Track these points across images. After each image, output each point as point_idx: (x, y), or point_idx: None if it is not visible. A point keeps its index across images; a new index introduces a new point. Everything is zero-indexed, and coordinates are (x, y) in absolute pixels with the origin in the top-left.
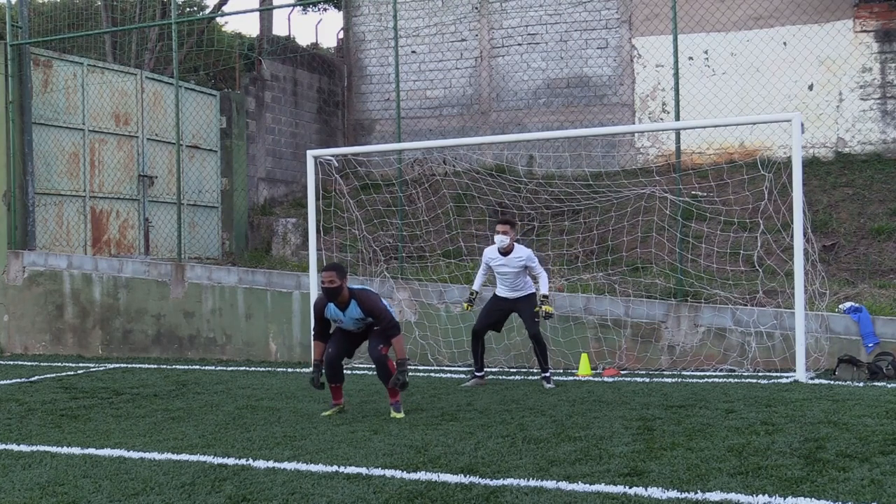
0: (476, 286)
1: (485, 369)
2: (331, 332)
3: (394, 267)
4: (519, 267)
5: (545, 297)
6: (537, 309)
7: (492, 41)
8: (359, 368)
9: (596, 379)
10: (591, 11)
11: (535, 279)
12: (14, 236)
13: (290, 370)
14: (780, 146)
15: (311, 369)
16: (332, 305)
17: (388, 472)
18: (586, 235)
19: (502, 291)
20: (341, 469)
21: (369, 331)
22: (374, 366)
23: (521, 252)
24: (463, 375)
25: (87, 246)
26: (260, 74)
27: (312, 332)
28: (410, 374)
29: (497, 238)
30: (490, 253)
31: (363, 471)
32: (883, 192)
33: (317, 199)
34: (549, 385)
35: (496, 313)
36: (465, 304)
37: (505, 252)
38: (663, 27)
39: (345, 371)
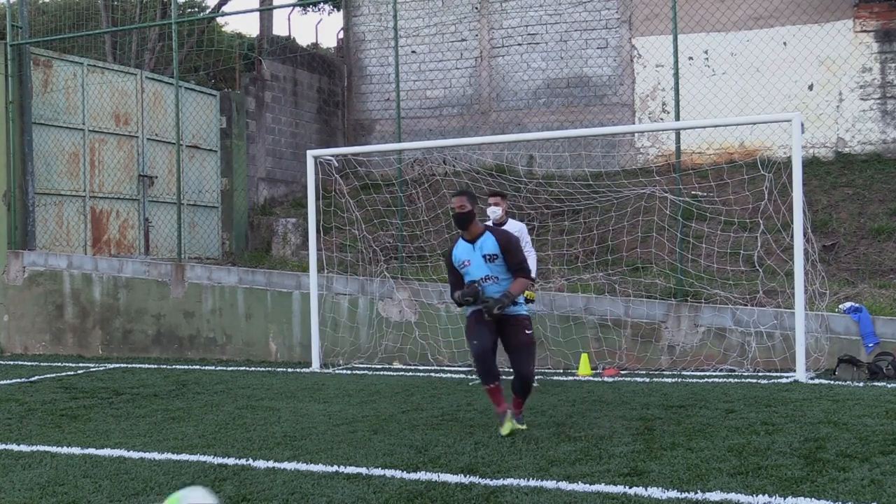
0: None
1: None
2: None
3: (394, 267)
4: None
5: (532, 280)
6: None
7: (492, 41)
8: (358, 368)
9: (596, 379)
10: (591, 11)
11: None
12: (14, 236)
13: (290, 370)
14: (780, 146)
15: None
16: (461, 244)
17: (388, 472)
18: (586, 235)
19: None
20: (341, 469)
21: (505, 324)
22: (514, 379)
23: (514, 226)
24: (463, 375)
25: (87, 246)
26: (260, 74)
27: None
28: (410, 373)
29: (490, 210)
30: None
31: (363, 471)
32: (883, 192)
33: (317, 199)
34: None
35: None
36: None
37: (498, 225)
38: (663, 27)
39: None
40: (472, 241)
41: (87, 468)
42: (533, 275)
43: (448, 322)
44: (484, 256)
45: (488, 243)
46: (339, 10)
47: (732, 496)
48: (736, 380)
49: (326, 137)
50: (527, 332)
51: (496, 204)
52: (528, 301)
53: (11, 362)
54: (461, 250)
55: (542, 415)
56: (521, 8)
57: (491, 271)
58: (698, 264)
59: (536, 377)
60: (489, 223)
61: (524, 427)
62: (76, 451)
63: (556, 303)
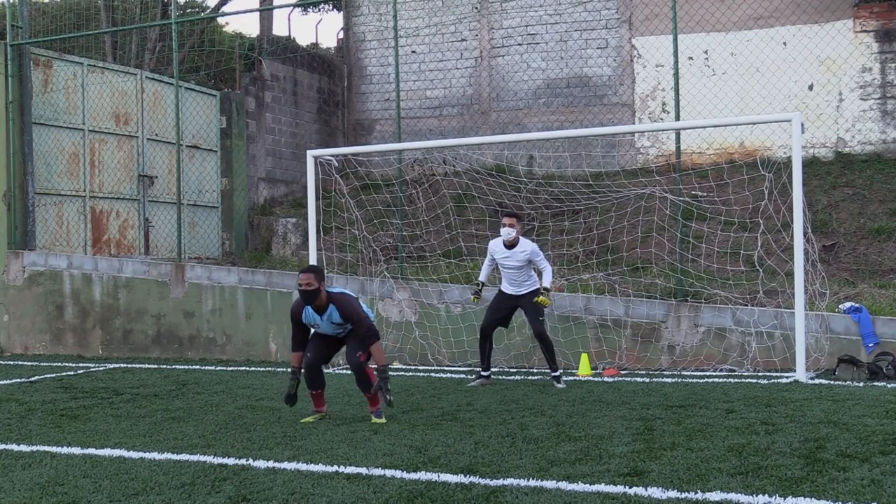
0: (482, 277)
1: (491, 369)
2: (309, 337)
3: (394, 267)
4: (523, 261)
5: (546, 289)
6: (536, 299)
7: (492, 41)
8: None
9: (596, 379)
10: (591, 11)
11: (539, 273)
12: (14, 236)
13: (290, 370)
14: (780, 146)
15: (288, 378)
16: (309, 309)
17: (388, 472)
18: (586, 235)
19: (507, 287)
20: (341, 469)
21: (349, 336)
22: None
23: (526, 246)
24: (463, 375)
25: (87, 246)
26: (260, 74)
27: (291, 341)
28: (411, 373)
29: (503, 231)
30: (495, 245)
31: (363, 471)
32: (883, 192)
33: (317, 199)
34: (559, 385)
35: (502, 310)
36: (473, 297)
37: (510, 245)
38: (663, 27)
39: (327, 374)
40: (319, 311)
41: (87, 468)
42: (547, 285)
43: (448, 322)
44: (331, 325)
45: (334, 315)
46: (339, 10)
47: (732, 496)
48: (736, 380)
49: (326, 137)
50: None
51: (510, 224)
52: (541, 307)
53: (11, 362)
54: (310, 314)
55: (542, 415)
56: (521, 8)
57: (337, 333)
58: (698, 264)
59: (536, 377)
60: (505, 239)
61: (383, 420)
62: (76, 451)
63: (556, 303)
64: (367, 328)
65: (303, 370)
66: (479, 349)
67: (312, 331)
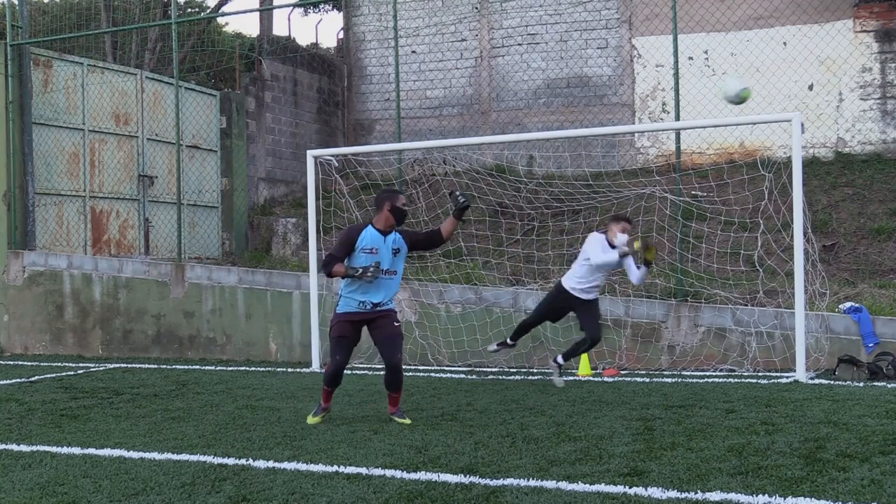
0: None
1: (516, 342)
2: (356, 271)
3: None
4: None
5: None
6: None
7: (492, 41)
8: (359, 368)
9: (596, 379)
10: (591, 11)
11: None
12: (14, 236)
13: (290, 370)
14: (780, 146)
15: (351, 274)
16: (372, 232)
17: (388, 472)
18: (586, 235)
19: (578, 287)
20: (341, 469)
21: (382, 333)
22: (386, 371)
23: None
24: (463, 375)
25: (87, 246)
26: (260, 74)
27: (325, 259)
28: (411, 373)
29: (619, 237)
30: (601, 240)
31: (363, 471)
32: (883, 192)
33: (317, 199)
34: (558, 379)
35: (558, 310)
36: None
37: (613, 245)
38: (663, 27)
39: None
40: (386, 233)
41: (87, 468)
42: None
43: (448, 322)
44: (390, 250)
45: (398, 240)
46: (339, 10)
47: (732, 496)
48: (736, 380)
49: (326, 137)
50: (395, 323)
51: (624, 231)
52: (647, 263)
53: (11, 362)
54: (370, 237)
55: (542, 415)
56: (521, 8)
57: (392, 265)
58: (698, 264)
59: (536, 377)
60: (620, 246)
61: (408, 421)
62: (76, 451)
63: None
64: (429, 231)
65: (329, 370)
66: (518, 324)
67: (358, 266)
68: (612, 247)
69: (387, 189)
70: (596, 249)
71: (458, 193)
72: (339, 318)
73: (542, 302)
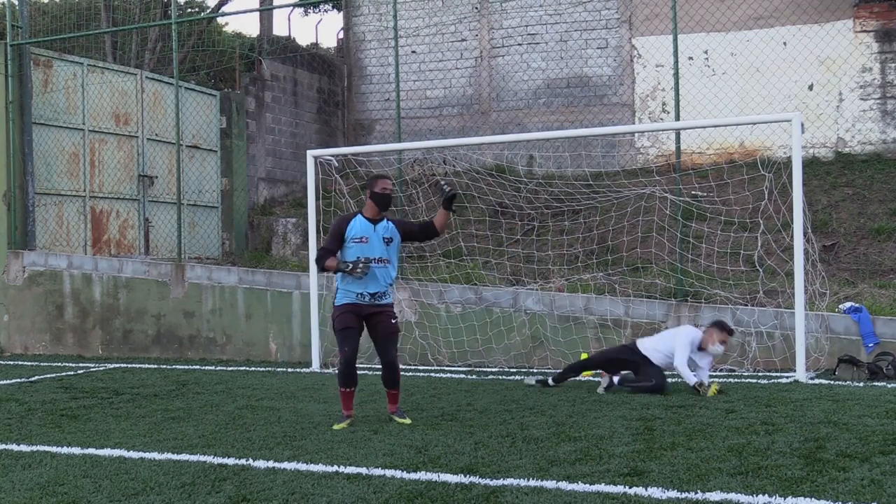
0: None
1: (557, 383)
2: (346, 265)
3: None
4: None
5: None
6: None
7: (492, 41)
8: (359, 368)
9: (596, 379)
10: (591, 11)
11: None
12: (14, 236)
13: (290, 370)
14: (780, 146)
15: (341, 269)
16: (361, 221)
17: (388, 472)
18: (586, 235)
19: (656, 355)
20: (341, 469)
21: (378, 331)
22: (383, 368)
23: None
24: (463, 375)
25: (87, 246)
26: (260, 74)
27: (318, 254)
28: (411, 373)
29: (716, 347)
30: (692, 339)
31: (363, 471)
32: (883, 192)
33: (317, 199)
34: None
35: (621, 364)
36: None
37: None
38: (663, 27)
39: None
40: (376, 221)
41: (87, 468)
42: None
43: (448, 322)
44: (381, 238)
45: (390, 228)
46: (339, 10)
47: (732, 496)
48: (736, 380)
49: (326, 137)
50: (392, 320)
51: (724, 342)
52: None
53: (11, 362)
54: (360, 226)
55: (542, 415)
56: (521, 8)
57: (385, 254)
58: (698, 264)
59: (537, 377)
60: (711, 354)
61: (408, 421)
62: (76, 451)
63: (556, 303)
64: (423, 223)
65: (341, 367)
66: (567, 367)
67: (346, 260)
68: (702, 349)
69: (372, 176)
70: (684, 350)
71: (442, 183)
72: (340, 310)
73: (607, 352)
